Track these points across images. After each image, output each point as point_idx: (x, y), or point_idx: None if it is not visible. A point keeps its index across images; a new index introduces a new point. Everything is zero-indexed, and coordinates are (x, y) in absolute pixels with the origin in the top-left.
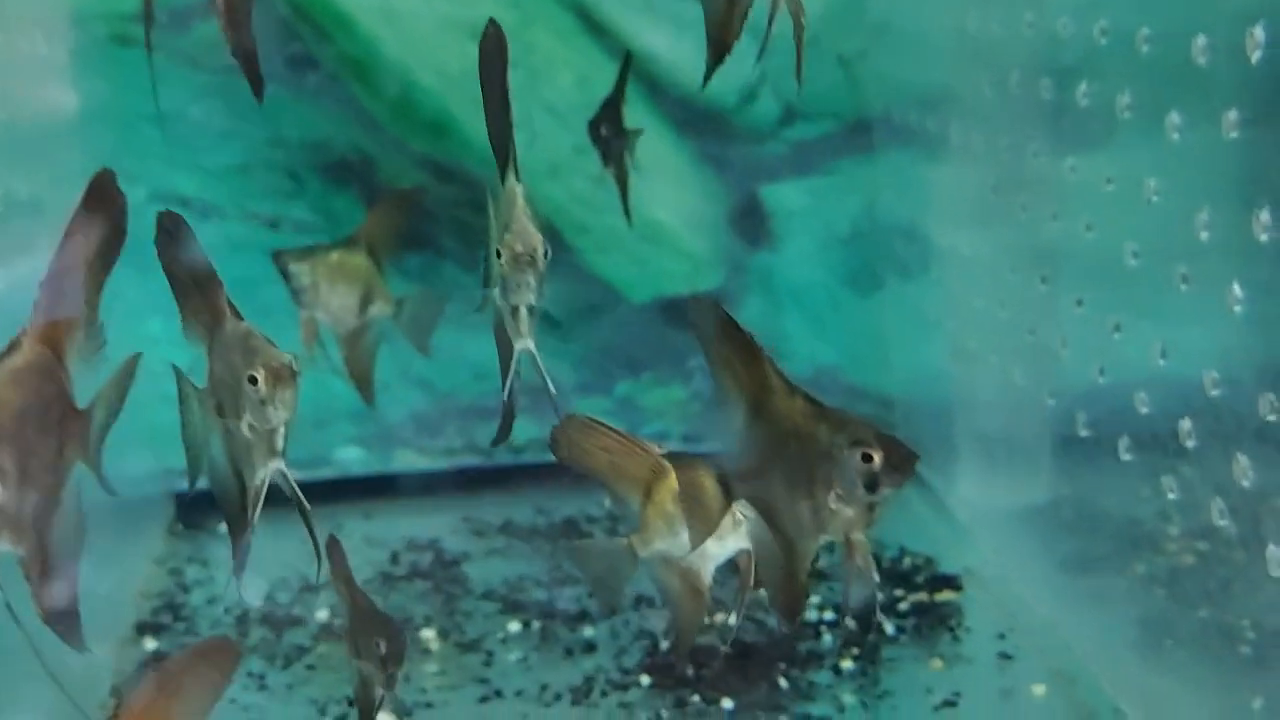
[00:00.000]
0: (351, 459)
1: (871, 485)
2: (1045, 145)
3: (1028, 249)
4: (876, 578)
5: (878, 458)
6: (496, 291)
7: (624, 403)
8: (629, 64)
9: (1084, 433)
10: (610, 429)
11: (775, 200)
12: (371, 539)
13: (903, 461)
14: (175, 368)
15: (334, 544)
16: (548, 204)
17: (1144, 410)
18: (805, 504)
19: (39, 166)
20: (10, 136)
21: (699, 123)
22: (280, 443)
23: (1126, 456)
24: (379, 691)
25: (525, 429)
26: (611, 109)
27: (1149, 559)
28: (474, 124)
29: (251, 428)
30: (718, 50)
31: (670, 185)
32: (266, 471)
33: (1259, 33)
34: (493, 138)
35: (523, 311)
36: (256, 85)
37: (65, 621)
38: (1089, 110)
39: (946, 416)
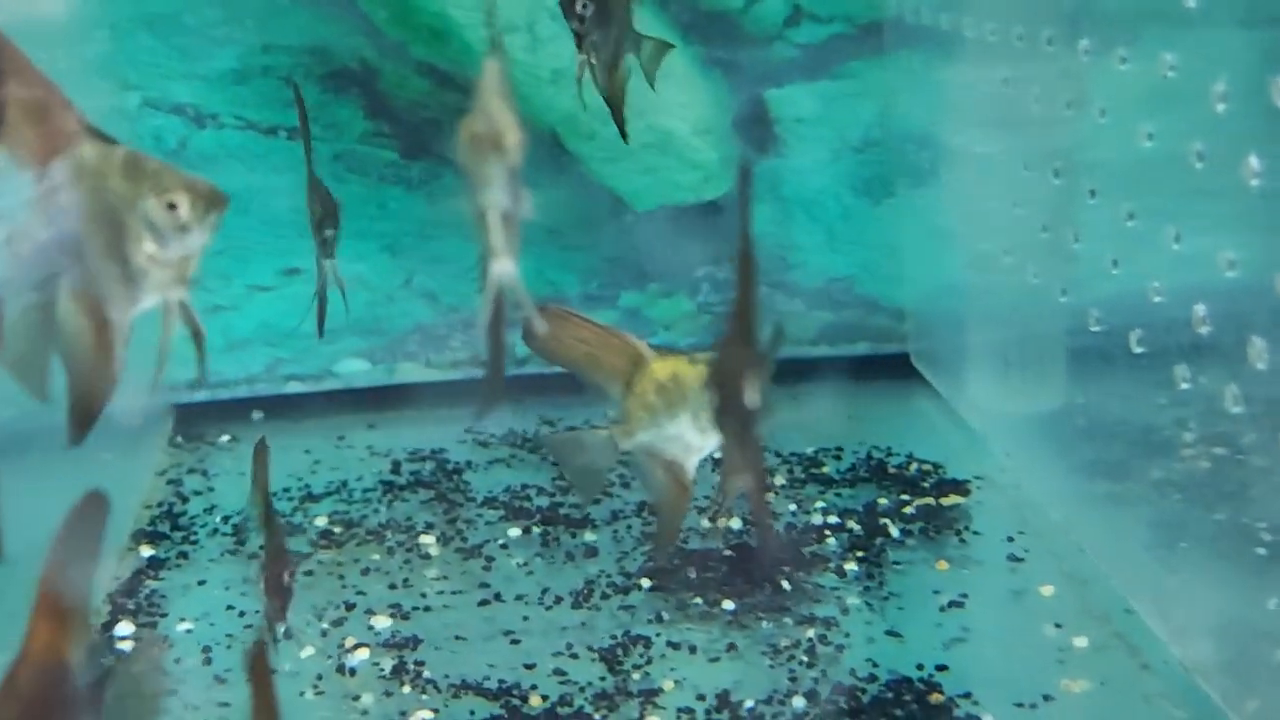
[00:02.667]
0: (356, 371)
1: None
2: (1059, 33)
3: (1041, 145)
4: None
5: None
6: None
7: (630, 314)
8: None
9: (1096, 329)
10: (586, 319)
11: (784, 105)
12: (375, 449)
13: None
14: None
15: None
16: (552, 111)
17: (1158, 301)
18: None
19: None
20: None
21: (705, 25)
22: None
23: (1138, 349)
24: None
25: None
26: None
27: (1164, 464)
28: (474, 29)
29: (151, 258)
30: None
31: (677, 91)
32: (175, 298)
33: None
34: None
35: (490, 217)
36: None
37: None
38: None
39: (960, 325)
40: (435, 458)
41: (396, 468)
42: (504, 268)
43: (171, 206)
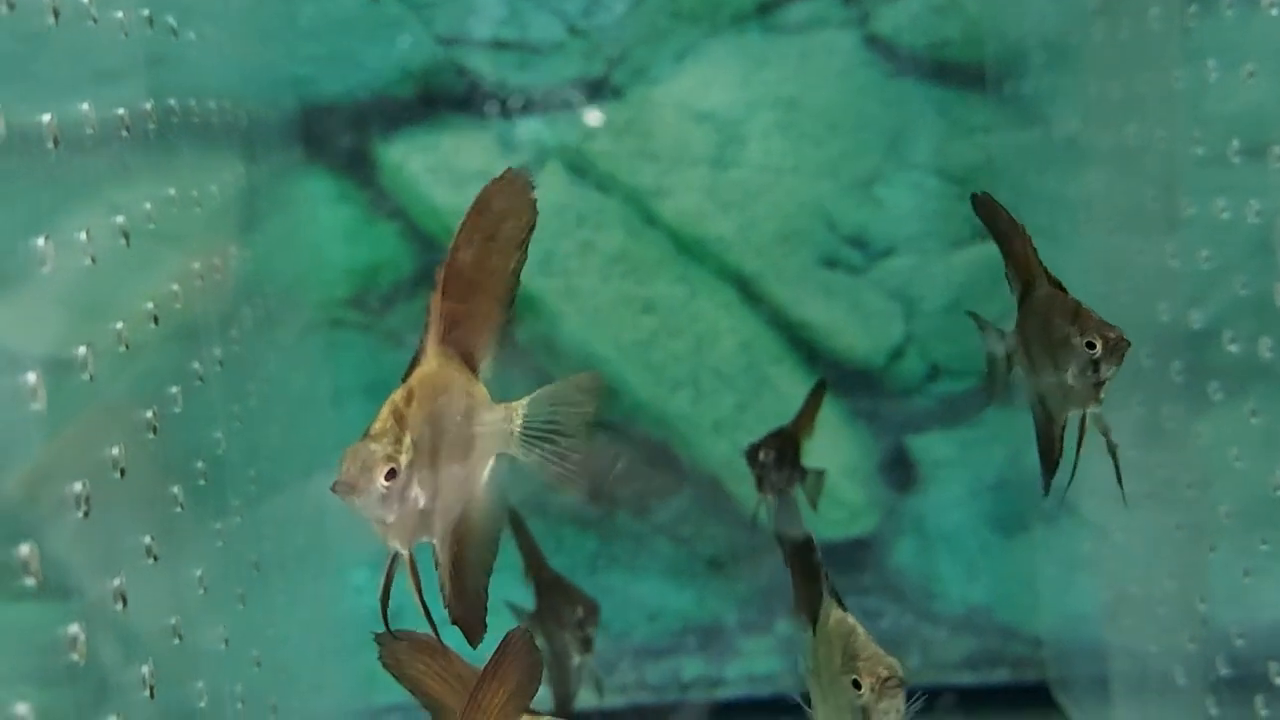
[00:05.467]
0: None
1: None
2: (1179, 410)
3: (1172, 499)
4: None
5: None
6: None
7: (785, 640)
8: (821, 391)
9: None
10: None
11: (923, 450)
12: None
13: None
14: None
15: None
16: (712, 458)
17: None
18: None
19: None
20: None
21: (851, 382)
22: None
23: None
24: (575, 660)
25: (692, 666)
26: (782, 439)
27: None
28: (645, 389)
29: None
30: (1048, 464)
31: (825, 439)
32: None
33: None
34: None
35: None
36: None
37: (470, 625)
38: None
39: (1098, 658)
40: None
41: None
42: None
43: (856, 685)
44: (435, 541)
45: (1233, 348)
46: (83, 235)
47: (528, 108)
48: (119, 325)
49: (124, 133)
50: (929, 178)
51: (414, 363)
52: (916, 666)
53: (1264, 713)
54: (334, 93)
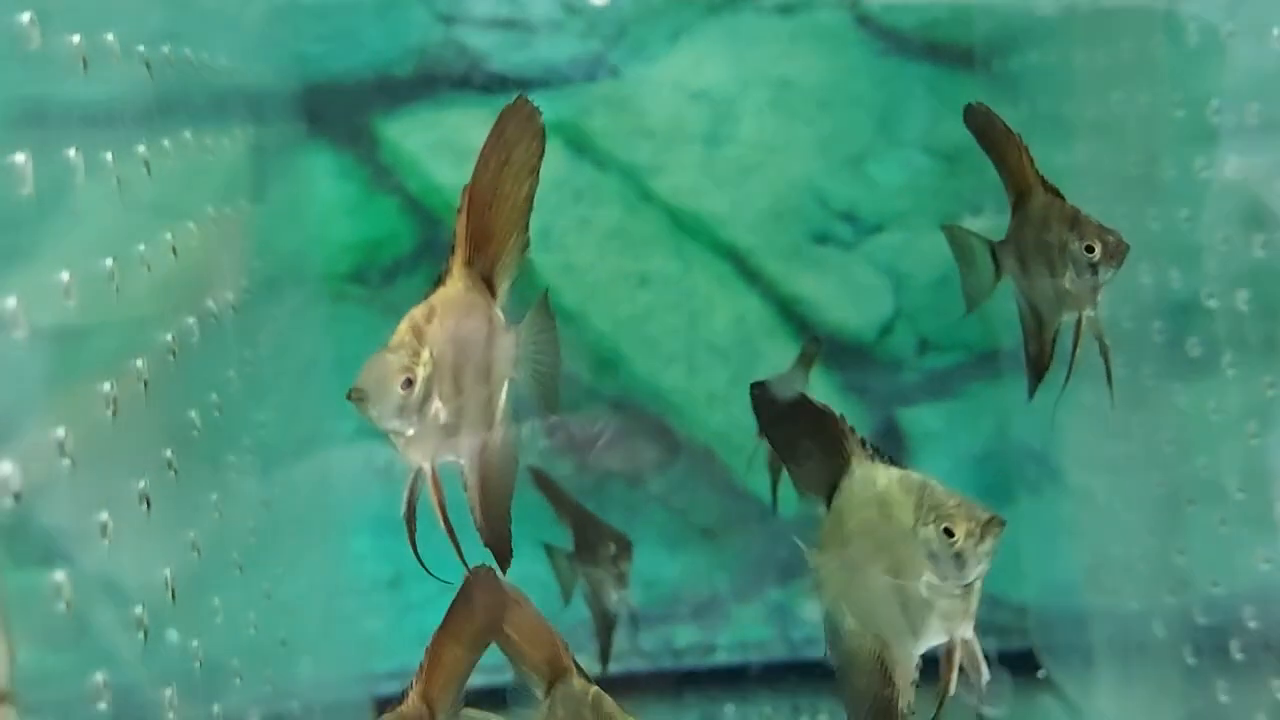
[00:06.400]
0: None
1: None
2: (1161, 369)
3: (1152, 458)
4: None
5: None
6: None
7: (776, 608)
8: (816, 346)
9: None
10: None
11: (912, 422)
12: None
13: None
14: None
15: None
16: (705, 430)
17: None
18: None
19: None
20: None
21: (841, 355)
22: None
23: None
24: (613, 595)
25: (685, 633)
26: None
27: None
28: (641, 362)
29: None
30: (1036, 370)
31: None
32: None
33: None
34: None
35: None
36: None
37: (498, 543)
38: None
39: (1082, 623)
40: None
41: None
42: None
43: (948, 533)
44: (463, 463)
45: (1211, 302)
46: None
47: (526, 85)
48: (108, 262)
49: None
50: (919, 155)
51: (438, 282)
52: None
53: (1239, 656)
54: (337, 70)
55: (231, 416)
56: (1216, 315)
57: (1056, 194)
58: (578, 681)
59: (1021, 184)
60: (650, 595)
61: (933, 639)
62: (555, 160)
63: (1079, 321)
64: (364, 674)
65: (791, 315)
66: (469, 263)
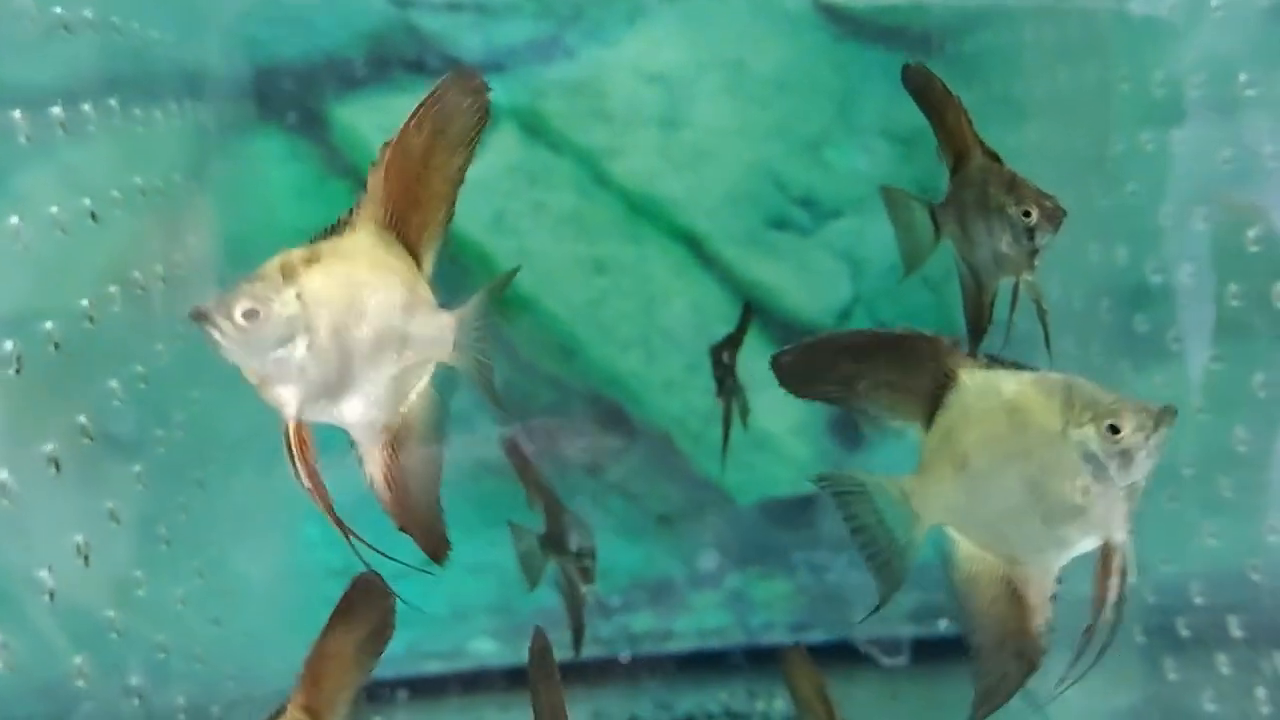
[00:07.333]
0: (487, 651)
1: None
2: (1109, 347)
3: None
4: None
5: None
6: None
7: (734, 595)
8: (749, 313)
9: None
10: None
11: None
12: None
13: (1054, 213)
14: None
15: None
16: (662, 416)
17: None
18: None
19: None
20: None
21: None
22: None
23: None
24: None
25: (642, 620)
26: (731, 345)
27: None
28: (596, 348)
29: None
30: (975, 332)
31: (775, 398)
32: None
33: None
34: None
35: None
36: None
37: (425, 538)
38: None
39: None
40: None
41: None
42: None
43: (1113, 430)
44: (354, 437)
45: (1156, 278)
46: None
47: (481, 69)
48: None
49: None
50: (876, 140)
51: (331, 230)
52: (863, 619)
53: (1185, 633)
54: (288, 54)
55: (161, 390)
56: (1161, 292)
57: (995, 157)
58: None
59: (960, 146)
60: (607, 584)
61: (1081, 547)
62: (510, 144)
63: (1016, 285)
64: None
65: (749, 301)
66: (388, 225)
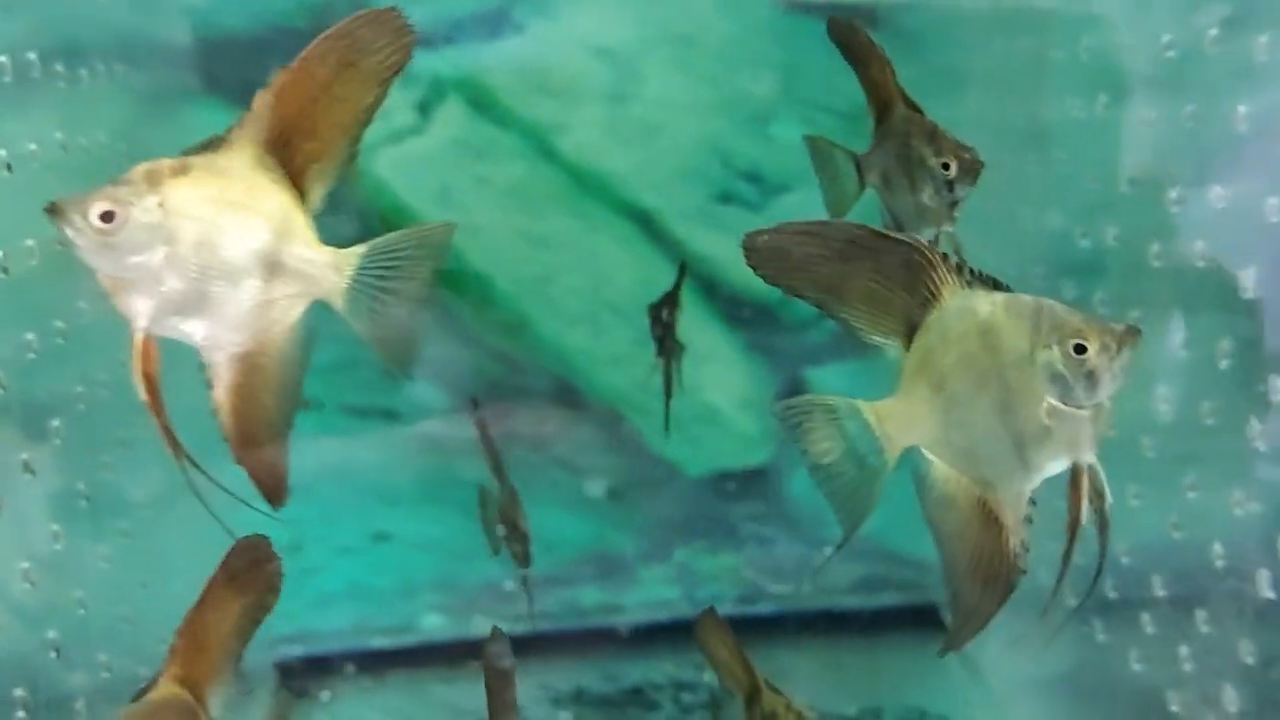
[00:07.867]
0: (434, 625)
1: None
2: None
3: None
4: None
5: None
6: None
7: (681, 568)
8: (684, 271)
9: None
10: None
11: (819, 382)
12: (457, 708)
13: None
14: None
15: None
16: (612, 390)
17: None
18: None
19: None
20: None
21: (747, 315)
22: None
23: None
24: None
25: (590, 594)
26: (670, 303)
27: None
28: (546, 323)
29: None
30: None
31: (722, 371)
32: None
33: None
34: None
35: None
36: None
37: (263, 480)
38: None
39: None
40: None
41: None
42: None
43: (1079, 349)
44: (206, 360)
45: (1084, 243)
46: None
47: (427, 42)
48: None
49: None
50: (822, 114)
51: (208, 144)
52: (808, 591)
53: (1113, 595)
54: (232, 24)
55: (83, 348)
56: (1090, 258)
57: (916, 108)
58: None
59: (885, 96)
60: (554, 558)
61: (1050, 469)
62: (456, 117)
63: (936, 237)
64: (263, 638)
65: (697, 276)
66: (272, 149)
